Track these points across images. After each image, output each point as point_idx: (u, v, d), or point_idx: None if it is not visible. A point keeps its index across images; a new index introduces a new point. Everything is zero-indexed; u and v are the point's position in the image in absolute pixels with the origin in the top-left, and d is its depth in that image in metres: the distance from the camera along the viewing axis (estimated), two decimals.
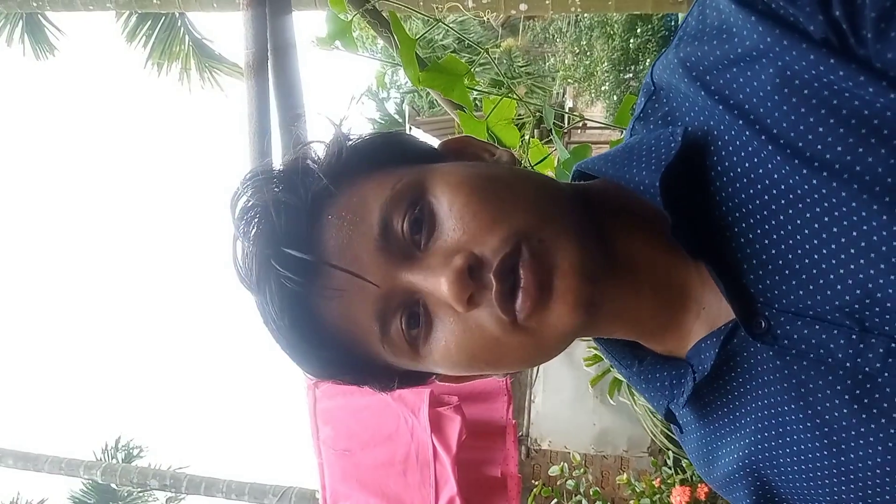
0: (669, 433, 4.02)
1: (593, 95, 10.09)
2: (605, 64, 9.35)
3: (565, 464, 4.53)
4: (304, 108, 1.77)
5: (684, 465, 4.29)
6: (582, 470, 4.50)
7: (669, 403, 0.64)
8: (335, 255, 0.57)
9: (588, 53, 10.16)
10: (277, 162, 0.64)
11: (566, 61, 11.31)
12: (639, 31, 8.89)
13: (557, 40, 11.59)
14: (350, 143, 0.62)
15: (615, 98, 8.98)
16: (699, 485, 3.89)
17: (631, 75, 9.13)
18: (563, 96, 11.75)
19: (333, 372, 0.64)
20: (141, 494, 11.53)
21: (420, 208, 0.57)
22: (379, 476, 2.06)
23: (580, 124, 8.33)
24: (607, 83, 9.41)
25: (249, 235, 0.58)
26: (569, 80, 11.11)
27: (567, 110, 9.37)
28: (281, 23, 1.71)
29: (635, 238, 0.60)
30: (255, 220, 0.58)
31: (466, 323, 0.56)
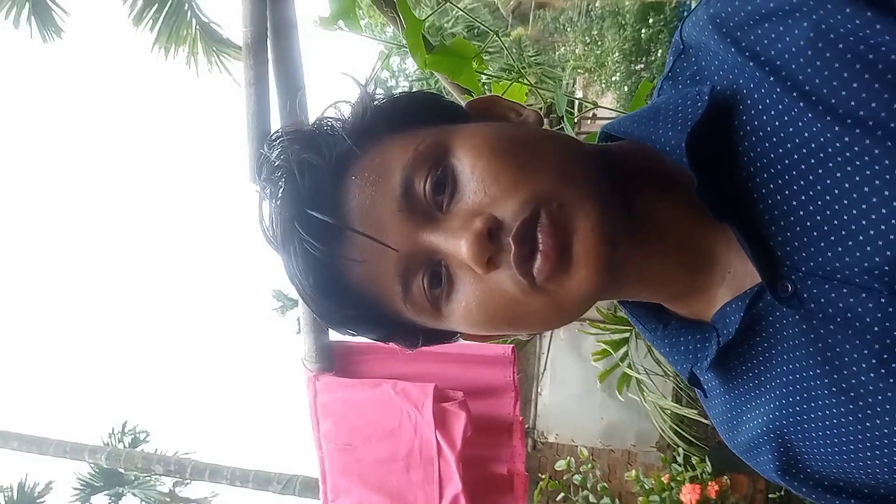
0: (679, 429, 3.96)
1: (604, 86, 9.98)
2: (616, 54, 9.24)
3: (572, 458, 4.48)
4: (304, 90, 1.70)
5: (694, 462, 4.23)
6: (590, 465, 4.44)
7: (693, 367, 0.63)
8: (357, 216, 0.58)
9: (599, 43, 10.04)
10: (293, 122, 0.64)
11: (577, 51, 11.19)
12: (651, 21, 8.77)
13: (568, 30, 11.47)
14: (375, 103, 0.62)
15: (626, 89, 8.87)
16: (709, 482, 3.83)
17: (642, 66, 9.01)
18: (573, 86, 11.64)
19: (358, 329, 0.65)
20: (147, 479, 11.59)
21: (442, 170, 0.57)
22: (381, 472, 2.01)
23: (590, 114, 8.23)
24: (618, 73, 9.30)
25: (275, 196, 0.59)
26: (579, 71, 11.00)
27: (576, 101, 9.26)
28: (281, 1, 1.63)
29: (660, 200, 0.60)
30: (280, 180, 0.59)
31: (486, 284, 0.56)
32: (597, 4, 9.73)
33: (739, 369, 0.62)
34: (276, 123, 1.72)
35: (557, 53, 12.14)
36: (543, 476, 4.93)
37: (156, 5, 6.88)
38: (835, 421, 0.55)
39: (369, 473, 2.03)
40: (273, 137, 0.61)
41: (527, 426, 6.05)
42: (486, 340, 0.71)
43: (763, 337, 0.58)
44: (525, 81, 1.79)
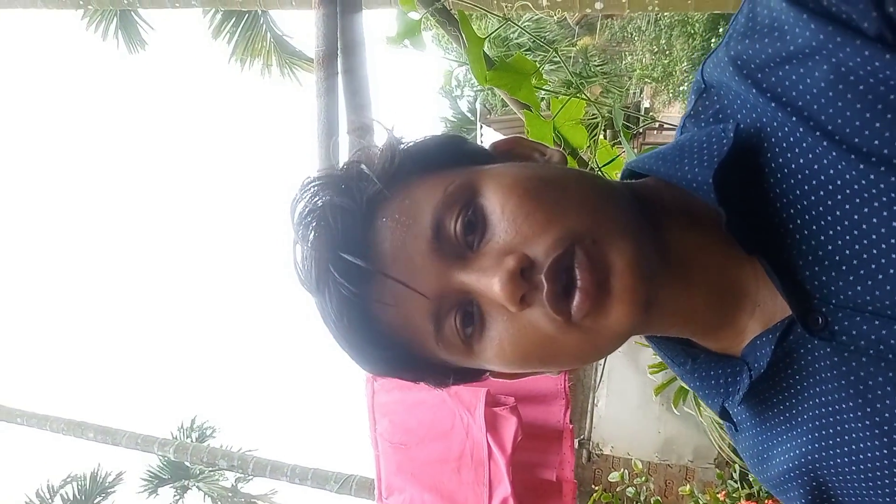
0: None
1: (671, 95, 9.85)
2: (685, 63, 9.12)
3: (626, 470, 4.43)
4: (371, 105, 1.80)
5: (751, 479, 4.13)
6: (644, 478, 4.39)
7: (724, 401, 0.63)
8: (390, 258, 0.58)
9: (667, 52, 9.91)
10: (341, 161, 0.66)
11: (644, 60, 11.07)
12: (720, 30, 8.61)
13: (636, 39, 11.35)
14: (403, 147, 0.64)
15: None
16: (766, 501, 3.75)
17: None
18: (640, 96, 11.50)
19: (390, 370, 0.66)
20: (212, 473, 11.97)
21: (472, 210, 0.58)
22: (433, 471, 2.08)
23: (656, 125, 8.13)
24: (686, 83, 9.17)
25: (308, 239, 0.60)
26: (646, 80, 10.87)
27: (643, 110, 9.16)
28: (351, 21, 1.73)
29: (689, 236, 0.60)
30: (313, 224, 0.60)
31: (520, 322, 0.56)
32: (665, 14, 9.60)
33: (770, 402, 0.62)
34: (343, 134, 1.83)
35: (624, 62, 12.03)
36: (597, 488, 4.90)
37: (233, 19, 7.19)
38: (868, 455, 0.55)
39: (422, 472, 2.10)
40: (305, 182, 0.62)
41: (582, 437, 6.01)
42: (515, 378, 0.72)
43: (794, 370, 0.58)
44: (582, 96, 1.84)
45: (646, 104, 10.68)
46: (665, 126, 8.11)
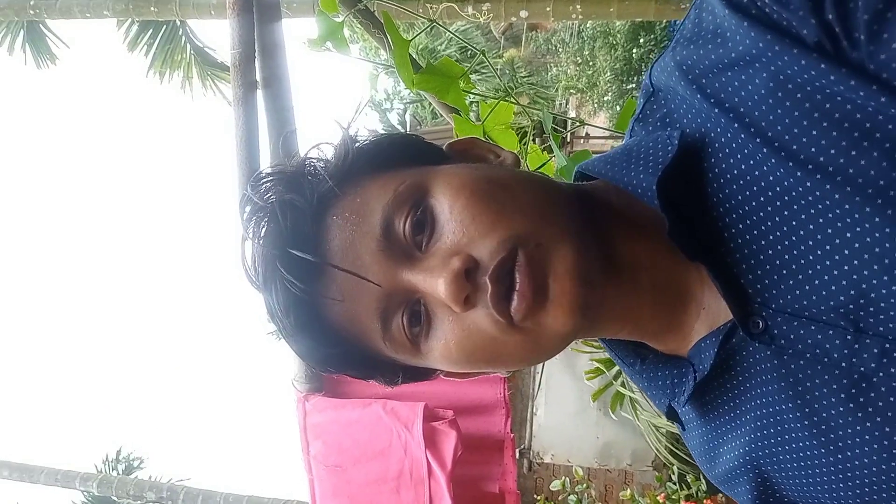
0: (673, 448, 3.94)
1: (596, 106, 10.08)
2: (608, 74, 9.35)
3: (567, 478, 4.44)
4: (293, 111, 1.71)
5: (689, 480, 4.20)
6: (585, 485, 4.41)
7: (671, 401, 0.65)
8: (338, 256, 0.59)
9: (591, 63, 10.16)
10: (277, 163, 0.65)
11: (569, 72, 11.31)
12: (641, 40, 8.88)
13: (560, 51, 11.60)
14: (357, 145, 0.64)
15: (618, 108, 8.95)
16: (705, 500, 3.81)
17: (634, 85, 9.11)
18: (566, 107, 11.74)
19: (339, 367, 0.66)
20: None
21: (422, 210, 0.58)
22: (371, 493, 1.99)
23: (583, 134, 8.29)
24: (610, 93, 9.40)
25: (257, 236, 0.60)
26: (571, 91, 11.11)
27: (569, 122, 9.34)
28: (269, 27, 1.65)
29: (636, 239, 0.61)
30: (263, 220, 0.60)
31: (464, 323, 0.57)
32: (588, 25, 9.84)
33: (715, 402, 0.63)
34: (263, 142, 1.74)
35: (550, 74, 12.27)
36: (539, 497, 4.89)
37: (150, 31, 6.96)
38: (808, 453, 0.57)
39: (360, 495, 2.01)
40: (256, 178, 0.62)
41: (522, 447, 6.01)
42: (465, 377, 0.72)
43: (737, 371, 0.59)
44: (512, 100, 1.81)
45: (572, 114, 10.90)
46: (591, 136, 8.28)
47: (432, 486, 1.92)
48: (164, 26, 6.92)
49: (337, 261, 0.58)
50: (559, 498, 4.54)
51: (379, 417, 1.95)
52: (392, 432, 1.94)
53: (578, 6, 3.05)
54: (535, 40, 12.33)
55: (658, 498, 4.22)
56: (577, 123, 1.68)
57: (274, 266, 0.58)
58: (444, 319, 0.58)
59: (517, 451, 5.81)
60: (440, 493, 1.91)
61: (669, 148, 0.57)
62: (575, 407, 5.84)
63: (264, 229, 0.60)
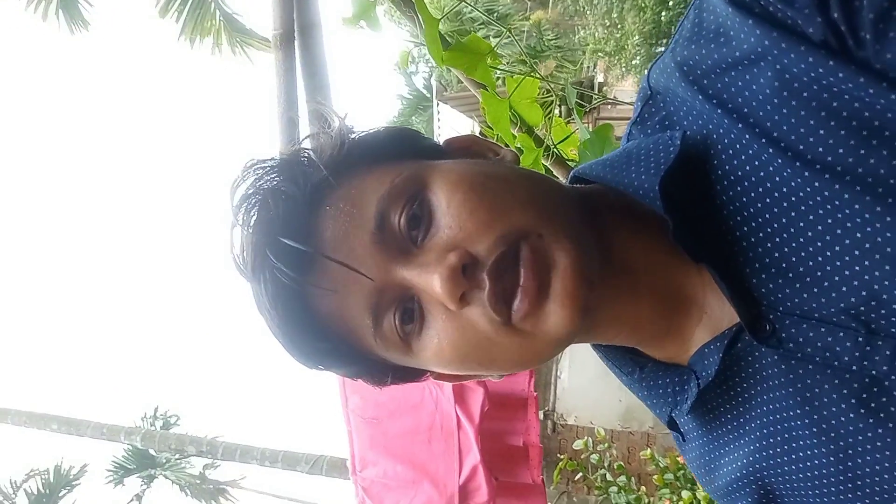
0: None
1: (624, 70, 9.95)
2: (637, 37, 9.20)
3: (589, 438, 4.58)
4: (330, 86, 1.82)
5: None
6: (606, 444, 4.54)
7: (672, 411, 0.63)
8: (331, 247, 0.57)
9: (619, 26, 10.00)
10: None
11: (596, 34, 11.14)
12: (671, 3, 8.71)
13: (588, 13, 11.42)
14: (353, 136, 0.62)
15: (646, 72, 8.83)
16: None
17: (662, 48, 8.96)
18: (594, 70, 11.60)
19: (325, 362, 0.63)
20: (178, 461, 11.89)
21: (418, 204, 0.56)
22: (405, 444, 2.14)
23: (612, 97, 8.24)
24: (638, 57, 9.26)
25: (247, 224, 0.58)
26: (599, 54, 10.96)
27: (597, 85, 9.27)
28: (307, 2, 1.75)
29: (636, 242, 0.59)
30: (254, 208, 0.58)
31: (459, 321, 0.55)
32: None
33: (718, 412, 0.61)
34: (303, 112, 1.85)
35: (577, 37, 12.10)
36: (563, 457, 5.05)
37: None
38: (815, 462, 0.55)
39: (394, 445, 2.16)
40: (248, 164, 0.60)
41: (546, 409, 6.16)
42: (457, 380, 0.70)
43: (742, 378, 0.57)
44: (536, 75, 1.88)
45: (599, 79, 10.78)
46: (617, 102, 8.23)
47: (461, 437, 2.06)
48: None
49: (329, 252, 0.56)
50: (581, 457, 4.68)
51: None
52: (424, 388, 2.07)
53: None
54: (562, 1, 12.14)
55: (679, 459, 4.33)
56: (601, 97, 1.74)
57: (264, 254, 0.56)
58: (438, 317, 0.56)
59: (541, 412, 5.95)
60: (468, 444, 2.05)
61: (671, 148, 0.55)
62: (598, 370, 5.92)
63: (254, 217, 0.58)
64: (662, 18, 8.77)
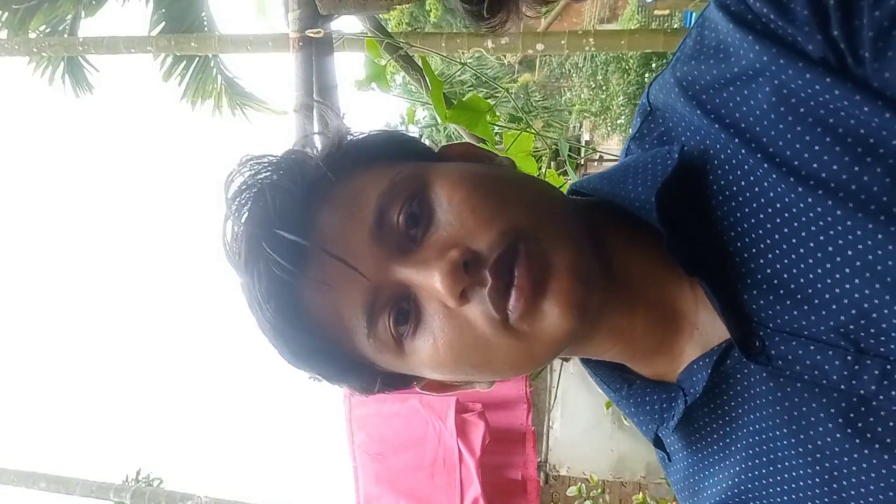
0: None
1: (609, 129, 10.30)
2: (621, 98, 9.57)
3: (583, 484, 4.63)
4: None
5: None
6: (599, 490, 4.59)
7: (659, 428, 0.62)
8: (328, 243, 0.56)
9: (604, 88, 10.39)
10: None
11: (582, 95, 11.55)
12: (654, 65, 9.10)
13: (573, 75, 11.86)
14: (351, 136, 0.62)
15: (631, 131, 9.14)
16: None
17: None
18: (580, 130, 11.97)
19: (314, 363, 0.61)
20: None
21: (417, 202, 0.56)
22: (409, 478, 2.23)
23: (597, 157, 8.52)
24: (623, 116, 9.62)
25: (241, 215, 0.57)
26: (585, 114, 11.34)
27: (583, 143, 9.57)
28: (324, 65, 1.94)
29: (631, 255, 0.59)
30: (249, 200, 0.57)
31: (456, 320, 0.54)
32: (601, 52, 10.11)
33: (704, 431, 0.60)
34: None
35: (564, 98, 12.51)
36: None
37: (184, 62, 7.32)
38: (801, 483, 0.54)
39: (398, 480, 2.25)
40: (244, 159, 0.58)
41: (539, 460, 6.18)
42: (445, 391, 0.69)
43: (730, 396, 0.57)
44: (529, 130, 2.07)
45: (586, 137, 11.14)
46: (605, 157, 8.52)
47: (463, 471, 2.16)
48: (197, 58, 7.29)
49: (325, 246, 0.55)
50: (575, 503, 4.71)
51: (416, 410, 2.19)
52: (427, 423, 2.17)
53: (591, 39, 3.32)
54: (548, 64, 12.60)
55: None
56: (590, 150, 1.92)
57: (259, 247, 0.55)
58: (435, 316, 0.54)
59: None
60: (470, 477, 2.14)
61: (669, 161, 0.55)
62: (590, 421, 6.00)
63: (249, 209, 0.56)
64: (646, 79, 9.13)
